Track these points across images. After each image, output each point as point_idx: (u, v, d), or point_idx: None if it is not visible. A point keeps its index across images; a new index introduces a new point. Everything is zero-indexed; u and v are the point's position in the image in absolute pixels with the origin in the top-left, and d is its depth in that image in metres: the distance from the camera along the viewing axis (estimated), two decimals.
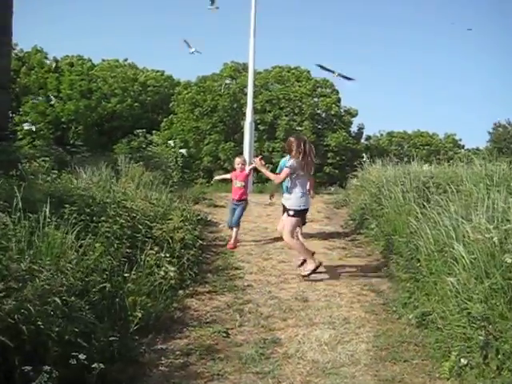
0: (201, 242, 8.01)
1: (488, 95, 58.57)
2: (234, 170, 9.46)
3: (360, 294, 6.67)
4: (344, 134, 23.70)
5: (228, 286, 6.80)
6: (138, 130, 14.78)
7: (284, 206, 7.70)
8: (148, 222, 7.26)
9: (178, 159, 23.44)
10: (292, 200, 7.35)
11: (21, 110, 27.68)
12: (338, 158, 23.28)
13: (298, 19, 67.51)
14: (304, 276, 7.22)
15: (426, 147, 30.49)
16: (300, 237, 8.32)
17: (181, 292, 5.94)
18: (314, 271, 7.19)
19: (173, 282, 5.89)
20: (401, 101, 62.44)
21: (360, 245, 9.10)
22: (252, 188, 19.56)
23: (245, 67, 23.26)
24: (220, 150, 23.25)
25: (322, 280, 7.15)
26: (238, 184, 9.24)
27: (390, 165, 11.45)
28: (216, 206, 12.05)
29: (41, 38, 61.09)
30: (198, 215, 9.75)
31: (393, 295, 6.54)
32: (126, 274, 5.45)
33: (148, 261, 5.97)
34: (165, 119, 25.80)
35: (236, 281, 7.04)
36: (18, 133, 26.86)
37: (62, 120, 27.60)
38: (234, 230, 9.08)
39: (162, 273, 5.64)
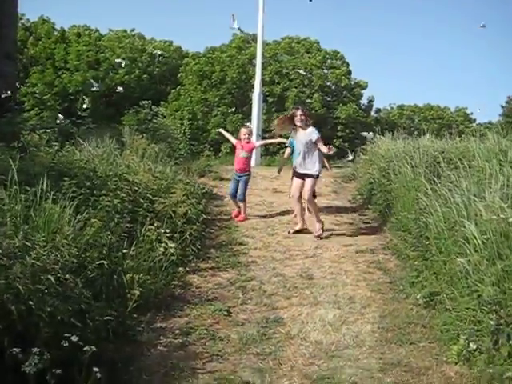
0: (204, 216, 7.83)
1: (502, 68, 57.16)
2: (239, 139, 9.23)
3: (366, 271, 6.49)
4: (354, 106, 23.26)
5: (231, 262, 6.64)
6: (143, 101, 14.46)
7: (300, 173, 8.00)
8: (150, 196, 7.07)
9: (186, 130, 23.34)
10: (317, 166, 7.95)
11: (27, 81, 27.34)
12: (347, 131, 22.87)
13: None
14: (318, 236, 7.82)
15: (437, 121, 29.97)
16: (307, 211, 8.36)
17: (181, 269, 5.76)
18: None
19: (174, 258, 5.71)
20: (412, 73, 61.18)
21: (367, 220, 8.89)
22: (260, 160, 19.37)
23: (254, 38, 22.78)
24: (228, 122, 22.92)
25: (327, 257, 6.97)
26: (242, 154, 9.02)
27: (399, 139, 11.15)
28: (222, 179, 11.82)
29: (48, 8, 60.12)
30: (203, 188, 9.54)
31: (400, 273, 6.35)
32: (124, 251, 5.27)
33: (148, 236, 5.80)
34: (172, 91, 25.42)
35: (240, 257, 6.88)
36: (26, 104, 26.69)
37: (70, 91, 27.26)
38: (241, 204, 8.93)
39: (162, 249, 5.45)
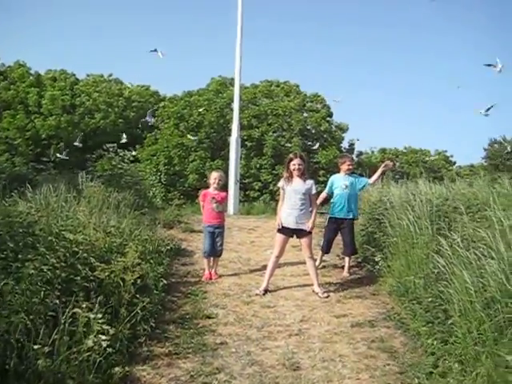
0: (165, 281, 6.19)
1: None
2: (206, 187, 7.72)
3: (367, 355, 4.89)
4: (335, 150, 22.01)
5: (194, 344, 5.02)
6: (108, 145, 12.96)
7: (291, 228, 6.72)
8: (93, 260, 5.46)
9: (162, 176, 21.80)
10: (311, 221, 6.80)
11: None
12: (328, 176, 21.55)
13: (287, 32, 66.15)
14: (327, 296, 6.59)
15: (419, 164, 28.90)
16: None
17: (118, 369, 4.06)
18: None
19: (111, 350, 4.08)
20: (392, 117, 60.80)
21: (361, 281, 7.31)
22: (238, 207, 17.82)
23: (232, 82, 21.61)
24: (206, 168, 21.49)
25: (317, 335, 5.37)
26: (216, 207, 7.50)
27: (391, 184, 9.71)
28: (193, 232, 10.23)
29: (25, 54, 58.90)
30: (168, 244, 7.94)
31: (411, 357, 4.79)
32: (35, 346, 3.65)
33: (78, 320, 4.18)
34: (149, 135, 24.03)
35: (206, 336, 5.26)
36: None
37: (43, 136, 25.74)
38: (217, 260, 7.46)
39: (91, 342, 3.82)
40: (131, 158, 12.65)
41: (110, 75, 30.18)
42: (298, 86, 24.26)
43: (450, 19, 60.42)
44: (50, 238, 5.51)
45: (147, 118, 20.94)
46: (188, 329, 5.38)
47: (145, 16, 64.99)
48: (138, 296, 5.35)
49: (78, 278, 5.01)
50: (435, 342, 4.65)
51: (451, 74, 54.48)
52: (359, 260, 8.18)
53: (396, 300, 6.15)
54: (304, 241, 6.65)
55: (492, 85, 58.58)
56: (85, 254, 5.47)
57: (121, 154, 12.53)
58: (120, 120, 26.97)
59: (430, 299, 5.06)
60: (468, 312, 4.14)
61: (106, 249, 6.22)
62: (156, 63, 62.30)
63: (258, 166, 21.52)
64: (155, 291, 5.88)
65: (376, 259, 7.08)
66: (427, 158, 29.99)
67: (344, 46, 64.86)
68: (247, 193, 21.29)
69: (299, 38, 66.67)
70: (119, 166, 11.66)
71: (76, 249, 5.50)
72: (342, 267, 7.88)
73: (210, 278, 7.30)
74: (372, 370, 4.59)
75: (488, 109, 17.90)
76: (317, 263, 7.42)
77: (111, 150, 12.59)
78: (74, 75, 29.27)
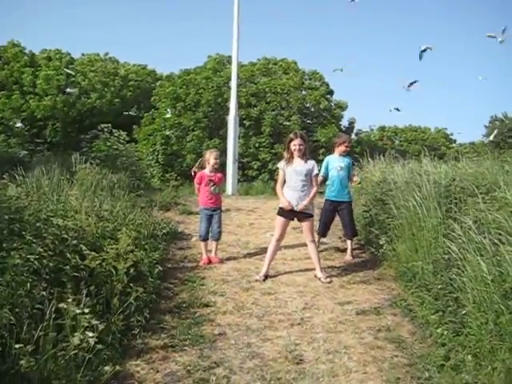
0: (160, 268, 5.87)
1: (484, 87, 56.05)
2: (202, 167, 7.39)
3: (374, 346, 4.60)
4: (335, 128, 21.55)
5: (191, 335, 4.72)
6: (102, 125, 12.55)
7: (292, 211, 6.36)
8: (85, 247, 5.14)
9: (159, 157, 21.39)
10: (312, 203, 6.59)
11: None
12: (327, 154, 21.15)
13: (285, 6, 65.11)
14: (329, 281, 6.27)
15: (419, 142, 28.44)
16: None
17: (108, 368, 3.75)
18: None
19: (100, 346, 3.76)
20: (392, 94, 60.10)
21: (365, 265, 7.01)
22: (237, 188, 17.48)
23: (230, 60, 21.10)
24: (204, 147, 21.05)
25: (320, 323, 5.07)
26: (215, 190, 7.17)
27: (395, 163, 9.35)
28: (190, 214, 9.89)
29: (20, 33, 57.77)
30: (164, 227, 7.61)
31: (420, 348, 4.51)
32: (16, 346, 3.34)
33: (66, 314, 3.88)
34: (145, 114, 23.53)
35: (203, 326, 4.96)
36: None
37: (38, 117, 25.27)
38: (215, 244, 7.15)
39: (77, 340, 3.50)
40: (126, 139, 12.26)
41: (106, 54, 29.54)
42: (296, 63, 23.69)
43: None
44: (38, 224, 5.20)
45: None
46: (185, 319, 5.09)
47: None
48: (131, 285, 5.05)
49: (68, 267, 4.71)
50: (446, 333, 4.36)
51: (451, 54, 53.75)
52: (362, 243, 7.88)
53: (402, 285, 5.86)
54: (305, 224, 6.33)
55: (494, 59, 57.67)
56: (75, 241, 5.15)
57: (115, 135, 12.14)
58: (116, 100, 26.45)
59: (439, 286, 4.76)
60: (484, 302, 3.83)
61: (99, 235, 5.92)
62: (153, 43, 61.52)
63: (256, 144, 21.08)
64: (150, 279, 5.57)
65: (380, 242, 6.77)
66: (426, 136, 29.51)
67: (344, 26, 63.88)
68: (246, 172, 20.86)
69: (298, 18, 65.65)
70: (114, 146, 11.28)
71: (66, 236, 5.19)
72: (345, 250, 7.58)
73: (209, 263, 7.01)
74: (379, 362, 4.31)
75: (411, 84, 17.75)
76: None
77: (106, 130, 12.20)
78: (70, 54, 28.63)
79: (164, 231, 7.43)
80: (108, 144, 11.35)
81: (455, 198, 6.11)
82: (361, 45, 62.99)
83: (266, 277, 6.32)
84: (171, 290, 5.84)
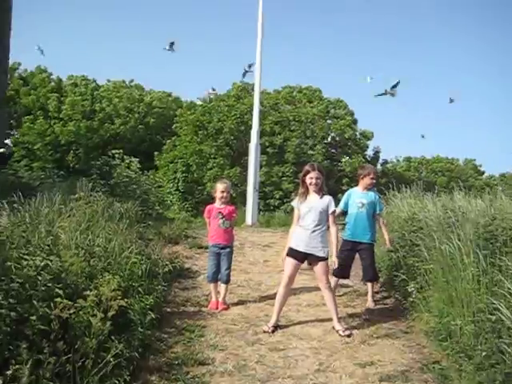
0: (153, 315, 5.00)
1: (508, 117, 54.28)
2: (211, 202, 6.59)
3: None
4: (360, 158, 20.67)
5: None
6: (114, 151, 11.88)
7: (302, 252, 5.48)
8: (62, 291, 4.32)
9: (179, 184, 20.73)
10: (327, 244, 5.58)
11: (16, 131, 25.18)
12: (353, 185, 20.21)
13: (309, 38, 64.80)
14: (349, 335, 5.31)
15: (446, 173, 27.30)
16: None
17: None
18: None
19: None
20: (419, 124, 58.80)
21: (390, 314, 6.04)
22: (257, 217, 16.61)
23: (254, 88, 20.53)
24: (225, 175, 20.35)
25: None
26: (223, 224, 6.33)
27: (425, 197, 8.39)
28: (201, 248, 9.02)
29: (49, 59, 58.35)
30: (167, 264, 6.74)
31: None
32: None
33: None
34: (168, 141, 23.02)
35: None
36: (15, 154, 24.39)
37: (62, 142, 24.97)
38: (224, 287, 6.27)
39: None
40: (138, 166, 11.55)
41: (132, 81, 29.38)
42: (320, 91, 23.02)
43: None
44: (8, 263, 4.41)
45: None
46: (174, 381, 4.20)
47: (168, 23, 64.51)
48: (113, 338, 4.22)
49: (34, 317, 3.90)
50: None
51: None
52: (385, 287, 6.93)
53: (435, 344, 4.88)
54: (318, 267, 5.43)
55: None
56: (49, 284, 4.34)
57: (126, 161, 11.46)
58: (140, 126, 26.08)
59: (483, 354, 3.81)
60: None
61: (86, 275, 5.11)
62: (178, 69, 61.75)
63: (279, 173, 20.31)
64: (140, 329, 4.72)
65: (409, 289, 5.81)
66: (454, 167, 28.37)
67: (368, 55, 63.31)
68: (267, 202, 20.07)
69: (320, 45, 65.31)
70: (124, 173, 10.57)
71: (40, 278, 4.38)
72: (367, 294, 6.64)
73: (216, 308, 6.14)
74: None
75: (393, 86, 16.90)
76: None
77: (117, 156, 11.53)
78: (95, 81, 28.54)
79: (166, 269, 6.57)
80: (118, 171, 10.67)
81: (497, 241, 5.16)
82: (386, 73, 62.06)
83: (276, 327, 5.41)
84: (164, 342, 4.97)
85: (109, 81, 28.61)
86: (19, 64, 27.68)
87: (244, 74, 19.30)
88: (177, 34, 65.91)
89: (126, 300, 4.74)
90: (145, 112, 26.50)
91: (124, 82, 28.93)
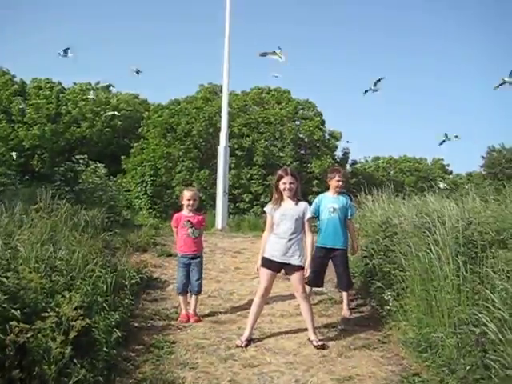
0: (118, 333, 4.68)
1: (478, 118, 55.14)
2: (179, 209, 6.30)
3: None
4: (329, 159, 20.53)
5: None
6: (78, 156, 11.44)
7: (277, 262, 5.22)
8: (18, 312, 3.99)
9: (148, 188, 20.29)
10: (303, 253, 5.29)
11: None
12: (323, 187, 20.06)
13: (275, 36, 64.77)
14: (322, 346, 5.06)
15: (414, 173, 27.42)
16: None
17: None
18: None
19: None
20: (387, 125, 59.29)
21: (367, 323, 5.82)
22: (227, 221, 16.31)
23: (222, 89, 20.23)
24: (194, 178, 20.01)
25: None
26: (192, 233, 6.04)
27: (397, 199, 8.24)
28: (170, 256, 8.67)
29: (10, 62, 57.22)
30: (134, 276, 6.42)
31: None
32: None
33: None
34: (135, 144, 22.53)
35: None
36: None
37: (27, 146, 24.26)
38: (194, 298, 5.99)
39: None
40: (104, 171, 11.13)
41: (98, 83, 28.69)
42: (289, 93, 22.82)
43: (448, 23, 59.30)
44: None
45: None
46: None
47: (132, 23, 63.78)
48: (75, 361, 3.91)
49: None
50: None
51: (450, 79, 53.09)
52: (360, 294, 6.74)
53: (414, 355, 4.68)
54: (294, 277, 5.18)
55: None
56: (4, 305, 4.00)
57: (92, 167, 11.04)
58: (107, 129, 25.51)
59: (468, 368, 3.61)
60: None
61: (46, 291, 4.77)
62: (145, 72, 60.87)
63: (248, 176, 20.06)
64: (105, 349, 4.40)
65: (385, 297, 5.62)
66: (422, 167, 28.54)
67: (335, 48, 63.49)
68: (237, 205, 19.80)
69: (288, 42, 65.29)
70: (90, 179, 10.17)
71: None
72: (342, 302, 6.42)
73: (187, 321, 5.85)
74: None
75: (376, 81, 16.83)
76: None
77: (82, 162, 11.11)
78: (61, 84, 27.82)
79: (133, 281, 6.25)
80: (83, 177, 10.26)
81: (475, 247, 5.01)
82: (355, 68, 62.43)
83: (249, 341, 5.14)
84: (132, 361, 4.65)
85: (75, 83, 27.92)
86: None
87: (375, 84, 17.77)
88: (144, 35, 65.19)
89: (88, 319, 4.43)
90: (111, 115, 25.93)
91: (90, 84, 28.27)
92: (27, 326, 3.74)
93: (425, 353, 4.46)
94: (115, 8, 65.50)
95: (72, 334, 3.97)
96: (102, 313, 4.88)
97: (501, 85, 14.76)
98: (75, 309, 4.22)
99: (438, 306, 4.49)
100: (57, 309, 4.19)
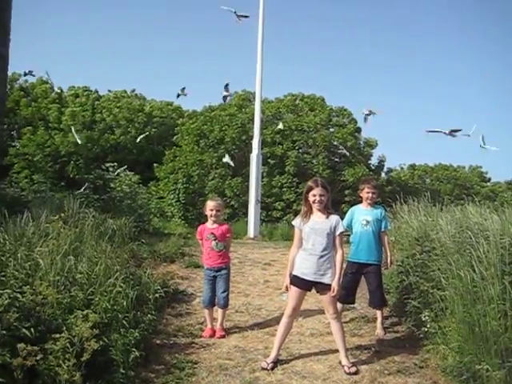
0: (137, 354, 4.40)
1: None
2: (204, 222, 6.03)
3: None
4: (363, 168, 19.99)
5: None
6: (108, 164, 11.30)
7: (308, 280, 4.83)
8: (29, 331, 3.74)
9: (180, 195, 20.14)
10: (334, 271, 4.87)
11: (17, 142, 24.69)
12: (356, 196, 19.53)
13: (312, 45, 64.25)
14: (355, 372, 4.65)
15: (451, 181, 26.58)
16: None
17: None
18: None
19: None
20: (419, 132, 57.91)
21: (402, 345, 5.40)
22: (259, 229, 16.02)
23: (254, 96, 20.02)
24: (226, 186, 19.79)
25: None
26: (215, 246, 5.76)
27: (434, 210, 7.78)
28: (198, 267, 8.39)
29: (51, 70, 59.10)
30: (158, 290, 6.14)
31: None
32: None
33: None
34: (168, 152, 22.45)
35: None
36: (16, 165, 23.93)
37: (62, 153, 24.48)
38: (221, 312, 5.71)
39: None
40: (133, 179, 10.96)
41: (133, 91, 28.89)
42: (323, 100, 22.44)
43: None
44: None
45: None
46: None
47: (169, 35, 64.40)
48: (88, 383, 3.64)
49: None
50: None
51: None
52: (395, 312, 6.31)
53: (454, 383, 4.27)
54: (327, 297, 4.82)
55: None
56: (16, 324, 3.76)
57: (121, 175, 10.88)
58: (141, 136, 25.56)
59: None
60: None
61: (64, 307, 4.54)
62: (179, 80, 61.32)
63: (280, 184, 19.72)
64: (121, 370, 4.13)
65: (423, 317, 5.20)
66: (459, 175, 27.65)
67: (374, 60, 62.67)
68: (269, 213, 19.49)
69: (326, 55, 64.77)
70: (118, 188, 9.98)
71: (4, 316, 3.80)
72: (376, 320, 6.02)
73: (212, 336, 5.56)
74: None
75: (454, 130, 16.18)
76: None
77: (111, 170, 10.95)
78: (97, 92, 28.12)
79: (157, 295, 5.97)
80: (115, 185, 10.08)
81: None
82: (392, 79, 61.48)
83: (276, 363, 4.80)
84: (150, 383, 4.37)
85: (110, 91, 28.13)
86: (19, 75, 27.26)
87: (365, 119, 18.29)
88: (177, 48, 65.64)
89: (105, 337, 4.17)
90: (145, 122, 25.98)
91: (125, 91, 28.45)
92: (36, 348, 3.49)
93: (466, 382, 4.05)
94: (154, 24, 66.25)
95: (85, 357, 3.72)
96: (121, 330, 4.61)
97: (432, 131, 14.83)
98: (91, 328, 3.96)
99: (482, 331, 4.07)
100: (72, 327, 3.94)
